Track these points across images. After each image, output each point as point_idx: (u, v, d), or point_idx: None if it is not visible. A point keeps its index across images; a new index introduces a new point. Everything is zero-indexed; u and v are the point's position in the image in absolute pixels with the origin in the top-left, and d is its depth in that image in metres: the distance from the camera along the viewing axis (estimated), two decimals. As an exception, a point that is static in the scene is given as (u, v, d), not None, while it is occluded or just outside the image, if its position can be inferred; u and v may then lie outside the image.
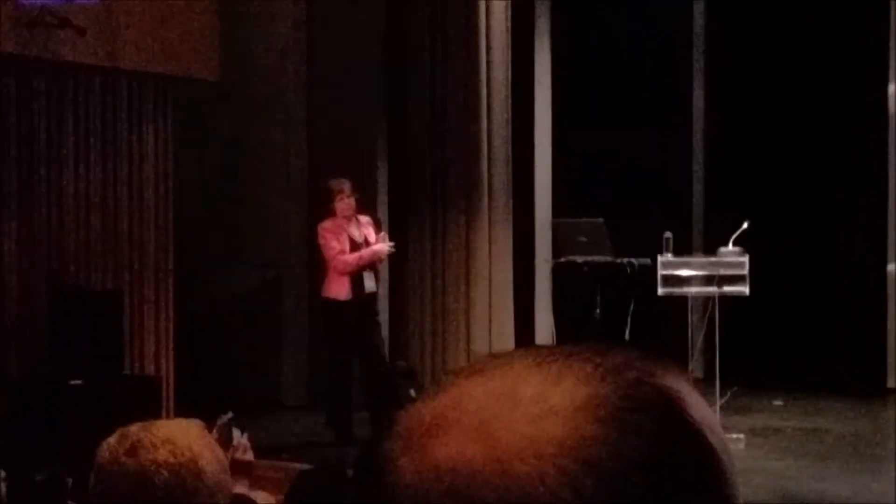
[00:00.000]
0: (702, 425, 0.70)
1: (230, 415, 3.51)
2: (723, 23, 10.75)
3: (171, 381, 9.01)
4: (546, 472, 0.65)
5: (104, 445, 2.22)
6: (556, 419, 0.66)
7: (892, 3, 10.00)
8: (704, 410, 0.71)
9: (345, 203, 8.33)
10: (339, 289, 8.30)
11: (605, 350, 0.71)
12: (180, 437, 2.20)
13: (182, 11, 8.75)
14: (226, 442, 3.35)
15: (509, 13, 9.97)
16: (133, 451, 2.17)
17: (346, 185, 8.37)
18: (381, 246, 8.37)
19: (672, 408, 0.69)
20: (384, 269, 9.13)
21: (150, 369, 8.94)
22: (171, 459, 2.16)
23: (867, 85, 10.16)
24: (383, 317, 9.29)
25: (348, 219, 8.41)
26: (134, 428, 2.23)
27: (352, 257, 8.25)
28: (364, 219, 8.52)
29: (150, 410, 7.91)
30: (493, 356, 0.72)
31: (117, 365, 8.24)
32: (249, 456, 3.50)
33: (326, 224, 8.40)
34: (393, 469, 0.68)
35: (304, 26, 10.12)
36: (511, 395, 0.68)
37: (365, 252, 8.30)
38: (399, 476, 0.67)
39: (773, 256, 9.68)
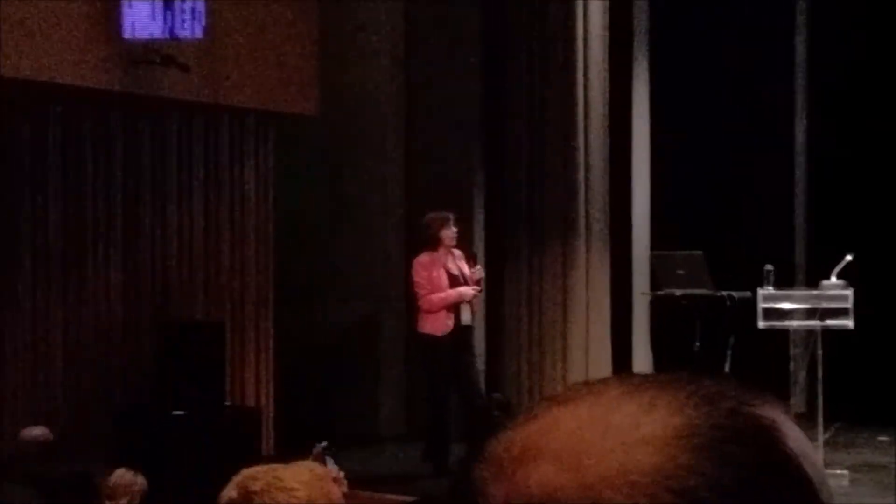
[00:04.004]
0: (799, 456, 0.68)
1: (324, 444, 3.53)
2: (825, 52, 10.60)
3: (271, 411, 9.09)
4: (638, 501, 0.64)
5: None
6: (648, 448, 0.65)
7: None
8: (802, 441, 0.70)
9: (451, 231, 8.40)
10: (434, 324, 8.33)
11: (698, 379, 0.70)
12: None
13: (283, 48, 8.89)
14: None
15: (607, 47, 9.95)
16: None
17: (451, 215, 8.47)
18: (467, 289, 8.39)
19: (768, 438, 0.68)
20: (481, 302, 9.13)
21: (251, 400, 9.04)
22: None
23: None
24: (479, 349, 9.28)
25: (448, 250, 8.45)
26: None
27: (437, 298, 8.29)
28: (458, 252, 8.55)
29: (250, 441, 8.01)
30: (586, 384, 0.71)
31: (219, 396, 8.34)
32: (343, 488, 3.52)
33: (423, 258, 8.43)
34: (484, 496, 0.68)
35: (403, 63, 10.21)
36: (603, 422, 0.67)
37: (451, 293, 8.32)
38: (490, 503, 0.67)
39: (879, 289, 9.46)
